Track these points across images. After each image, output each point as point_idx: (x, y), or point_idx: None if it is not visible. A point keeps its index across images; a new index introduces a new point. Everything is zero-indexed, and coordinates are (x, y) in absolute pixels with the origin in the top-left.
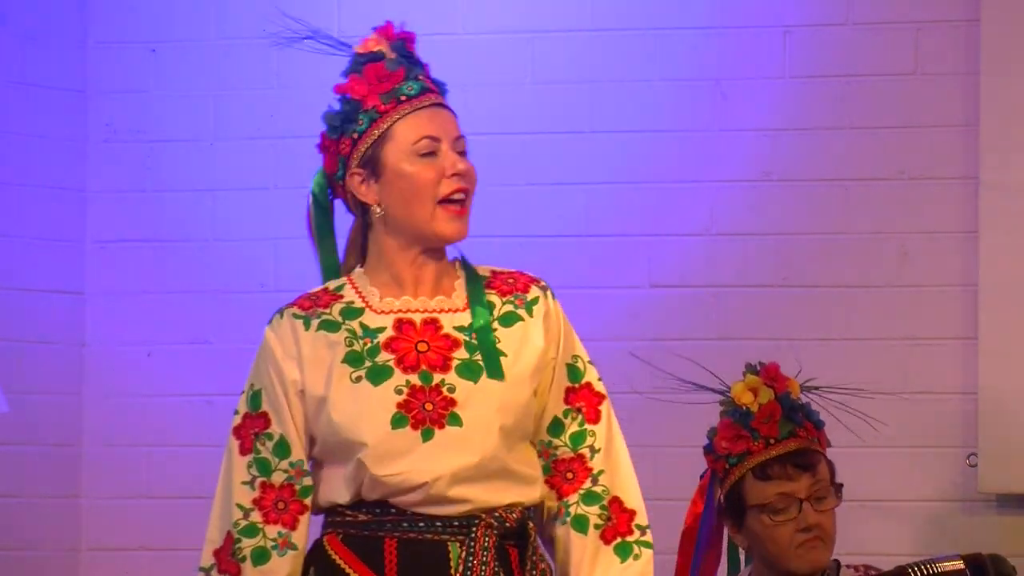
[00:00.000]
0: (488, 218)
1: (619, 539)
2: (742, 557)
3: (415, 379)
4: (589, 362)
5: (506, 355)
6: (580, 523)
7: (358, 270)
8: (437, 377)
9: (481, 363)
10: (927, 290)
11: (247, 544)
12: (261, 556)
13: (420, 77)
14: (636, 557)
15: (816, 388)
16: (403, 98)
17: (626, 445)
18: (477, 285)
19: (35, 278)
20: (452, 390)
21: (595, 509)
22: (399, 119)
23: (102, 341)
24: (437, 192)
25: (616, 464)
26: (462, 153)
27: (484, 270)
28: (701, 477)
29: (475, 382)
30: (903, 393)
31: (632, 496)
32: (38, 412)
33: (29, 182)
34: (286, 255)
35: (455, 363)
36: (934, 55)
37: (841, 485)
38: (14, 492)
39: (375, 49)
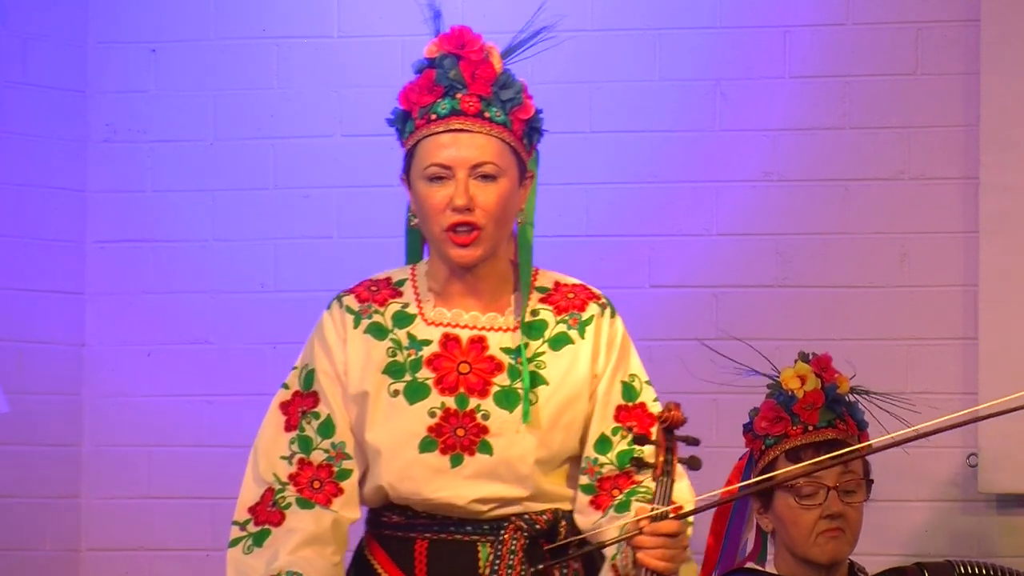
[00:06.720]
0: None
1: None
2: (768, 545)
3: (451, 402)
4: (647, 382)
5: (548, 383)
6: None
7: (423, 264)
8: (473, 402)
9: (520, 392)
10: (927, 290)
11: (290, 494)
12: (305, 504)
13: (459, 95)
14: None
15: (866, 392)
16: (433, 117)
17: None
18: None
19: (35, 278)
20: (486, 417)
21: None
22: (422, 139)
23: (102, 341)
24: (443, 220)
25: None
26: (485, 177)
27: (548, 279)
28: (740, 459)
29: (511, 411)
30: (903, 393)
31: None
32: (38, 412)
33: (29, 182)
34: (285, 255)
35: (494, 389)
36: (934, 55)
37: (872, 481)
38: (14, 492)
39: (433, 56)
